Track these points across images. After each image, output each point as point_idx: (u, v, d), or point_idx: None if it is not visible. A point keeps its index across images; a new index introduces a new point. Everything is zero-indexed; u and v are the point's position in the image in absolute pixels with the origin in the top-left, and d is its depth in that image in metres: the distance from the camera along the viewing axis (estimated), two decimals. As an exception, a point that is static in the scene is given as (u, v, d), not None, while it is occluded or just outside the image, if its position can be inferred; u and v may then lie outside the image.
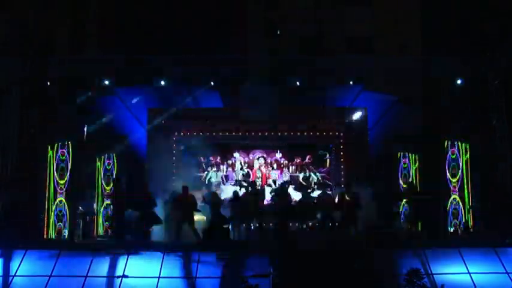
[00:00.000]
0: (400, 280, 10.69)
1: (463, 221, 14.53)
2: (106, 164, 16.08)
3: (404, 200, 15.25)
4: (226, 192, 16.42)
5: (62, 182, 14.48)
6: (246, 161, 17.39)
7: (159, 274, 11.09)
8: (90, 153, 15.38)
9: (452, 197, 14.90)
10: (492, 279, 11.00)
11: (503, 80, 13.88)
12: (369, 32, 21.63)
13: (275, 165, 17.38)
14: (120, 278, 11.08)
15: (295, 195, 16.37)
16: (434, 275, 10.99)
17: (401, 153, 16.72)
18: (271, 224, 14.73)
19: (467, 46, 16.65)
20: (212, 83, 14.75)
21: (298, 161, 17.36)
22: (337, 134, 17.16)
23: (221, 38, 20.55)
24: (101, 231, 15.40)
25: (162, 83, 14.62)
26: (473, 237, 13.74)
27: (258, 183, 16.69)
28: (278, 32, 22.41)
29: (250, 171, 17.25)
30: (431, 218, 14.55)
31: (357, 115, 16.81)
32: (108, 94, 15.15)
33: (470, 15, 18.06)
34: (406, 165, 16.64)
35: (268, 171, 17.32)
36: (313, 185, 17.10)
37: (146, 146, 16.60)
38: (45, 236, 13.96)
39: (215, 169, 17.31)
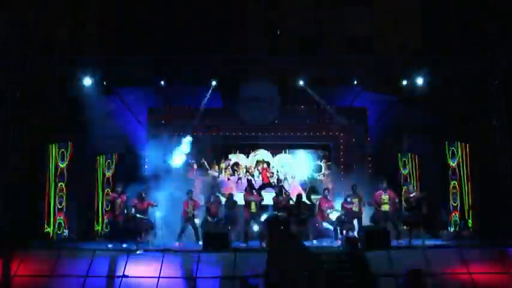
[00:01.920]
0: (400, 280, 10.70)
1: (463, 220, 14.54)
2: (106, 164, 16.09)
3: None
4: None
5: (62, 182, 14.51)
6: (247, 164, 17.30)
7: (159, 274, 11.09)
8: (91, 153, 15.39)
9: (452, 197, 14.92)
10: (492, 279, 11.00)
11: (503, 80, 13.88)
12: (369, 32, 21.60)
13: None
14: (120, 278, 11.08)
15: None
16: (434, 275, 10.99)
17: (401, 153, 16.72)
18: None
19: (467, 46, 16.63)
20: (213, 83, 14.81)
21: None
22: (337, 134, 17.16)
23: (221, 38, 20.52)
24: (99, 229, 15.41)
25: (162, 83, 14.68)
26: (473, 237, 13.76)
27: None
28: (278, 32, 22.40)
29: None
30: (431, 218, 14.58)
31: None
32: (108, 94, 15.15)
33: (470, 15, 18.04)
34: (406, 165, 16.65)
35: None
36: None
37: (145, 146, 16.55)
38: (45, 236, 13.98)
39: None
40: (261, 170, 17.03)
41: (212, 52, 16.94)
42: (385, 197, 13.85)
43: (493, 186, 13.81)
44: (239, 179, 16.93)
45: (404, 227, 14.02)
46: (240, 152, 17.22)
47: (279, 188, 15.20)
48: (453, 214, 14.89)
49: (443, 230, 14.55)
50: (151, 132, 16.50)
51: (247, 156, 17.23)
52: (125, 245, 12.87)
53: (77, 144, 14.72)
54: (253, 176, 16.87)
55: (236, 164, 17.16)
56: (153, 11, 20.73)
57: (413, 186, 15.21)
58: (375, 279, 10.84)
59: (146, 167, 16.01)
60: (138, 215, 13.31)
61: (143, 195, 13.56)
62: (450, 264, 11.35)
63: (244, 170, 17.04)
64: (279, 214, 13.56)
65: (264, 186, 16.65)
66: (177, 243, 13.39)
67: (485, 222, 13.80)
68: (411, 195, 13.96)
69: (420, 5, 21.32)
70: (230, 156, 17.17)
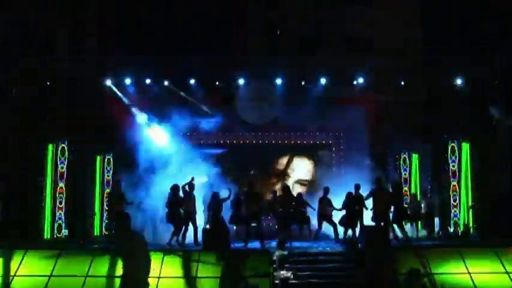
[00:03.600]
0: (400, 280, 10.70)
1: (463, 221, 14.54)
2: (106, 164, 16.08)
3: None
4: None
5: (61, 182, 14.51)
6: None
7: (159, 274, 11.08)
8: (90, 153, 15.39)
9: (452, 197, 14.92)
10: (492, 279, 10.99)
11: (503, 80, 13.89)
12: (369, 32, 21.58)
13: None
14: (120, 278, 11.06)
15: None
16: (434, 275, 10.99)
17: (402, 153, 16.71)
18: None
19: (467, 46, 16.64)
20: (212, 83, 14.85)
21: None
22: (337, 134, 17.16)
23: (221, 38, 20.51)
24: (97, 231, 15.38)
25: (166, 83, 14.71)
26: (473, 237, 13.75)
27: None
28: (278, 32, 22.38)
29: None
30: (430, 218, 14.59)
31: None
32: (108, 94, 15.16)
33: (470, 15, 18.04)
34: (406, 165, 16.64)
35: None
36: None
37: (145, 145, 16.53)
38: (45, 236, 13.99)
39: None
40: None
41: (212, 52, 16.96)
42: (384, 196, 13.81)
43: (493, 186, 13.81)
44: None
45: (404, 226, 14.00)
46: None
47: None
48: (453, 214, 14.88)
49: (443, 230, 14.56)
50: (151, 131, 16.49)
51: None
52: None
53: (77, 144, 14.70)
54: None
55: None
56: (153, 11, 20.70)
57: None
58: (375, 279, 10.82)
59: (145, 166, 15.98)
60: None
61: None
62: (450, 264, 11.34)
63: None
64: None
65: None
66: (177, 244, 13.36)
67: (485, 222, 13.79)
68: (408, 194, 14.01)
69: (420, 5, 21.30)
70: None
